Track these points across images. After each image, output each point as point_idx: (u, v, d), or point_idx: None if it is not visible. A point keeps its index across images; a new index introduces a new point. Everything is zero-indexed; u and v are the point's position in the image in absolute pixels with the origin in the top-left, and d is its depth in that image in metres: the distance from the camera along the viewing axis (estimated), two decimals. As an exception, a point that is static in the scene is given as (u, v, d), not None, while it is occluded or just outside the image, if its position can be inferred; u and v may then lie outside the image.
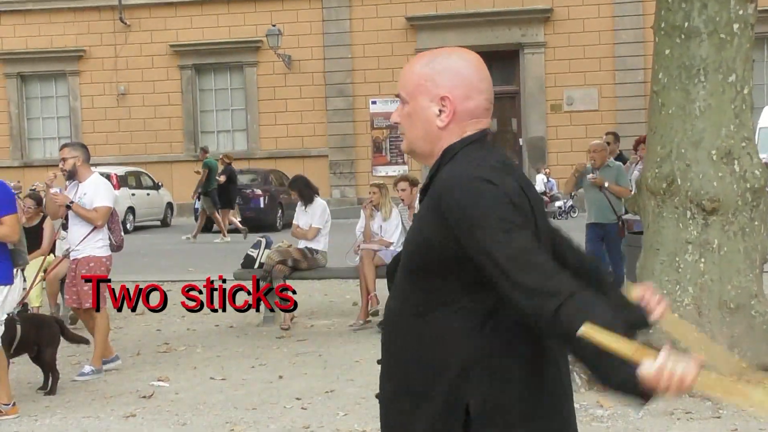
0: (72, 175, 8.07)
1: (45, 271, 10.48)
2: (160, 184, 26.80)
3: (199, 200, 22.02)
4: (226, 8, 29.37)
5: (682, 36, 7.57)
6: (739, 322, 7.52)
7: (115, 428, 6.47)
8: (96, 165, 25.15)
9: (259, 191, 24.03)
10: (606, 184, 10.42)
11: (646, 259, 7.86)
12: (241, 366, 8.33)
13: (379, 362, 2.62)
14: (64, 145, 8.28)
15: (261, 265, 10.35)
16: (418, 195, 2.59)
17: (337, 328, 10.04)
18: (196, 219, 22.56)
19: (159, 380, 7.84)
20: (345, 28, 28.71)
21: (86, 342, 7.98)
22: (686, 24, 7.55)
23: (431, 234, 2.37)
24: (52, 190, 8.15)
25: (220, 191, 21.40)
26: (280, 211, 23.78)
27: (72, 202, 7.93)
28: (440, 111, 2.44)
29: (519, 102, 28.37)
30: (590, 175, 10.51)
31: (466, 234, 2.27)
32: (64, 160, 8.04)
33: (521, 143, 28.21)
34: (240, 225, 21.48)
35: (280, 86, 29.09)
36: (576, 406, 6.82)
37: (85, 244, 8.02)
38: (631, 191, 10.37)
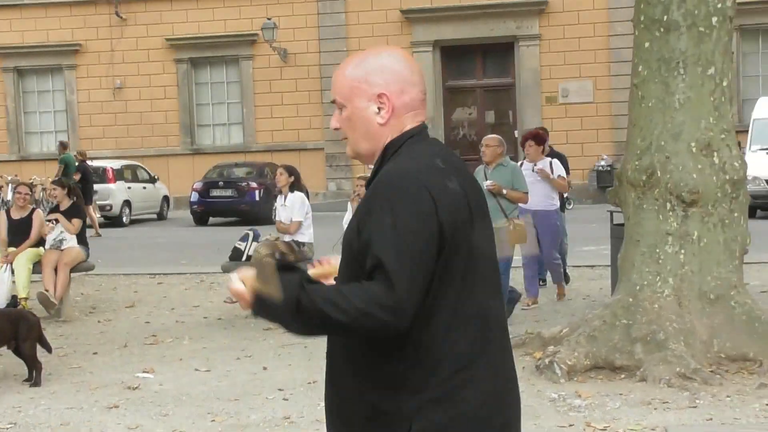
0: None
1: (37, 263, 10.58)
2: (156, 177, 26.85)
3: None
4: (221, 2, 29.37)
5: (662, 29, 7.64)
6: (719, 313, 7.58)
7: (97, 419, 6.54)
8: (92, 159, 25.51)
9: (254, 184, 24.05)
10: (504, 192, 9.46)
11: (627, 250, 7.93)
12: (226, 358, 8.40)
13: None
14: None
15: (249, 257, 10.42)
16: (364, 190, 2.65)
17: (325, 320, 10.08)
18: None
19: (144, 372, 7.91)
20: (340, 21, 28.73)
21: (49, 350, 7.92)
22: (665, 17, 7.61)
23: (361, 229, 2.41)
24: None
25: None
26: (275, 203, 23.78)
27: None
28: (379, 108, 2.51)
29: (514, 94, 28.40)
30: (487, 183, 9.40)
31: (374, 219, 2.35)
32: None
33: (516, 135, 28.21)
34: (95, 222, 21.67)
35: (276, 79, 29.13)
36: (554, 396, 6.94)
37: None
38: (527, 194, 9.68)
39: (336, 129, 2.59)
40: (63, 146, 22.96)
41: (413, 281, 2.29)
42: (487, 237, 2.52)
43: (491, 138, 9.99)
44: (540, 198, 10.30)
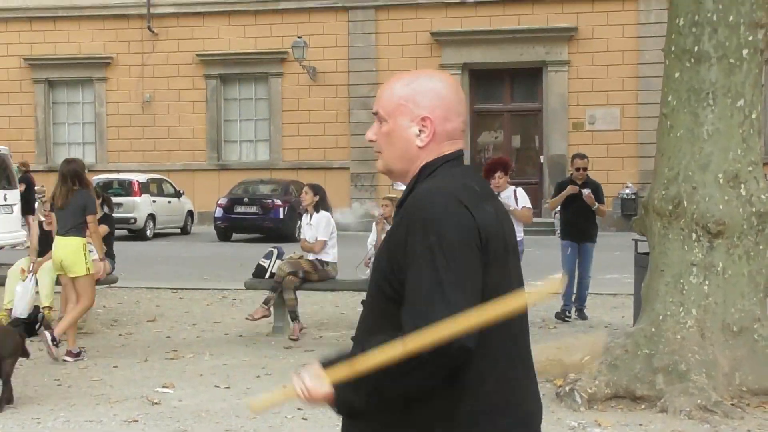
0: None
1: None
2: (181, 192, 26.99)
3: None
4: (253, 19, 29.57)
5: (692, 60, 7.62)
6: (741, 346, 7.53)
7: (116, 433, 6.57)
8: (119, 171, 25.61)
9: (279, 201, 24.13)
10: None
11: (651, 279, 7.89)
12: (246, 375, 8.40)
13: None
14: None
15: (272, 275, 10.43)
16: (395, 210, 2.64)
17: (346, 339, 10.08)
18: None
19: (164, 386, 7.93)
20: (370, 42, 28.84)
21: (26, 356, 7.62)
22: (696, 48, 7.60)
23: (397, 250, 2.37)
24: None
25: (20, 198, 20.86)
26: (299, 222, 23.87)
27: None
28: (420, 131, 2.49)
29: (541, 119, 28.39)
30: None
31: (413, 239, 2.31)
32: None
33: (542, 160, 28.21)
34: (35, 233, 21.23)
35: (304, 98, 29.25)
36: (574, 424, 6.88)
37: None
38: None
39: (371, 141, 2.57)
40: None
41: (470, 298, 2.27)
42: (515, 267, 2.52)
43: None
44: None
